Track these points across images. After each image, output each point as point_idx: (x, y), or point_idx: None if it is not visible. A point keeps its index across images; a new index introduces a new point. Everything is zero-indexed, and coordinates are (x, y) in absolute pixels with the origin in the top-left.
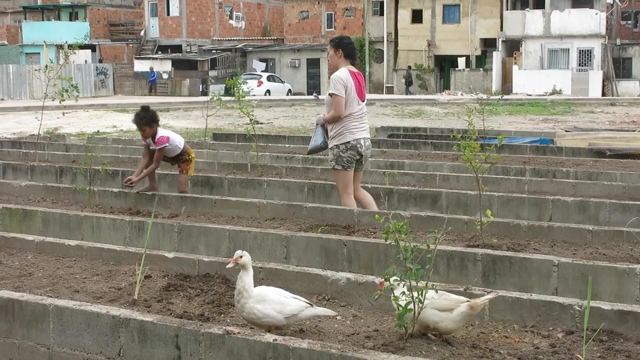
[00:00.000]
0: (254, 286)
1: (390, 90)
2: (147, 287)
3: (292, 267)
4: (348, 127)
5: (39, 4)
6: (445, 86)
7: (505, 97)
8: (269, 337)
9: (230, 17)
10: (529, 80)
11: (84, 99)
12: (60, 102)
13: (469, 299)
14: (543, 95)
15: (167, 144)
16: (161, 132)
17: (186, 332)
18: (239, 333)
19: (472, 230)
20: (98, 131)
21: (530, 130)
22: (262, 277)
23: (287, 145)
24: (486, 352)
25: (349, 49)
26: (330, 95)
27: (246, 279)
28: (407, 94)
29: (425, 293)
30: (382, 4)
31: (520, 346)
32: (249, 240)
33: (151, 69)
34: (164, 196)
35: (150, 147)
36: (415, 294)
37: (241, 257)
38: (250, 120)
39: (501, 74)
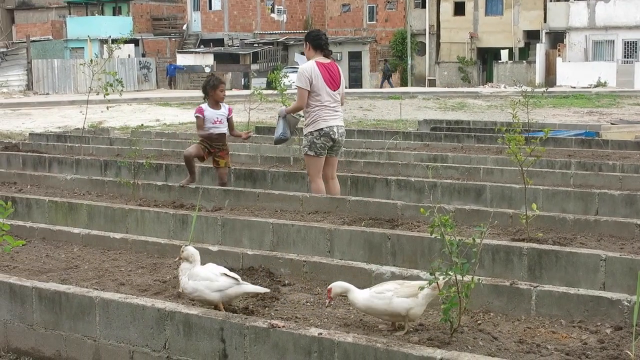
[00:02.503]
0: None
1: (432, 83)
2: None
3: (336, 261)
4: (321, 115)
5: None
6: (488, 79)
7: (549, 89)
8: (314, 331)
9: (272, 11)
10: (573, 73)
11: (127, 93)
12: (105, 97)
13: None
14: (587, 87)
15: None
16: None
17: (231, 325)
18: (284, 327)
19: (517, 224)
20: (142, 125)
21: (575, 123)
22: (306, 271)
23: None
24: (533, 347)
25: (315, 41)
26: (296, 87)
27: (183, 264)
28: (382, 87)
29: (472, 286)
30: None
31: (568, 342)
32: (293, 234)
33: (170, 62)
34: (207, 189)
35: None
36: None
37: (182, 251)
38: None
39: (545, 66)
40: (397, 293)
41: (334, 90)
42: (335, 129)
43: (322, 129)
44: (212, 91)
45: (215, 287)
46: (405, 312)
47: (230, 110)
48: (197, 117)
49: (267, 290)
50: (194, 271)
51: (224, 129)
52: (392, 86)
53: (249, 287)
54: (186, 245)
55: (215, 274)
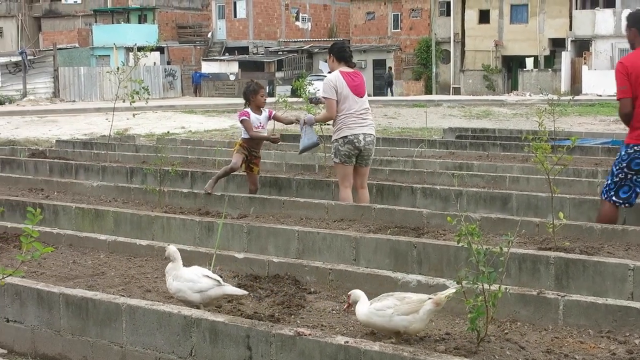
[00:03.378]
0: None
1: (457, 91)
2: None
3: (362, 269)
4: (346, 122)
5: (109, 7)
6: (513, 87)
7: (575, 97)
8: (341, 339)
9: (297, 19)
10: (599, 81)
11: (153, 101)
12: (131, 104)
13: (430, 296)
14: (614, 95)
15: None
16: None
17: (257, 332)
18: (310, 335)
19: (543, 232)
20: (167, 132)
21: (602, 131)
22: (332, 279)
23: None
24: (561, 357)
25: (339, 53)
26: (324, 98)
27: (168, 265)
28: (386, 95)
29: (499, 295)
30: (448, 4)
31: (596, 352)
32: (318, 241)
33: (195, 70)
34: (233, 197)
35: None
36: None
37: (165, 250)
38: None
39: (570, 75)
40: (398, 311)
41: (361, 97)
42: (360, 137)
43: (346, 136)
44: (252, 96)
45: (197, 288)
46: (404, 329)
47: (270, 112)
48: (244, 120)
49: (246, 292)
50: (178, 273)
51: (264, 134)
52: (386, 94)
53: (229, 289)
54: (168, 245)
55: (198, 275)
